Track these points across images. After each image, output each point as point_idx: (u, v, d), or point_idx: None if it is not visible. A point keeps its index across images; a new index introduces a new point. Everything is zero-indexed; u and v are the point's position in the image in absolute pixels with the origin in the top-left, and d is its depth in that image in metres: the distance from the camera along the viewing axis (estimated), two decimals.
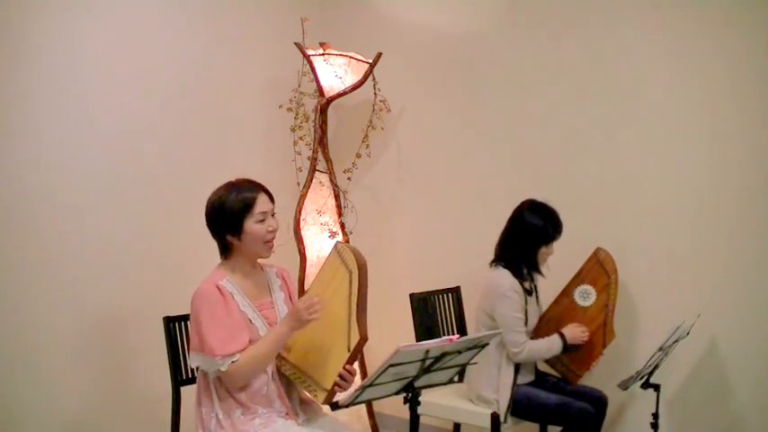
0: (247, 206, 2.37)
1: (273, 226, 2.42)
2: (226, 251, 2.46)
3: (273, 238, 2.44)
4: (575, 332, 3.11)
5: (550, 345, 3.07)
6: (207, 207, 2.42)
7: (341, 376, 2.33)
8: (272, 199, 2.45)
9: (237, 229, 2.37)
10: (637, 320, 3.31)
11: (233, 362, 2.29)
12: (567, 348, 3.09)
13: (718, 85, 3.11)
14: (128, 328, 3.29)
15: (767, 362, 3.03)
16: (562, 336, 3.09)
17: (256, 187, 2.43)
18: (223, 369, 2.29)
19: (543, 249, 3.07)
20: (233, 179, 2.45)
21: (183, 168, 3.53)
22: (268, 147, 3.97)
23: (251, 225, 2.37)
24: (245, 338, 2.34)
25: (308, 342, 2.42)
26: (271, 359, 2.40)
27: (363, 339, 2.30)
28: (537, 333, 3.17)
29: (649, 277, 3.27)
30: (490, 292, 3.07)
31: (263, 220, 2.39)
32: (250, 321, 2.38)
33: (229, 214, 2.36)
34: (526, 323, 3.07)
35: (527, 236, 3.05)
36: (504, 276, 3.05)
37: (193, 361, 2.36)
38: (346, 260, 2.37)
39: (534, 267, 3.10)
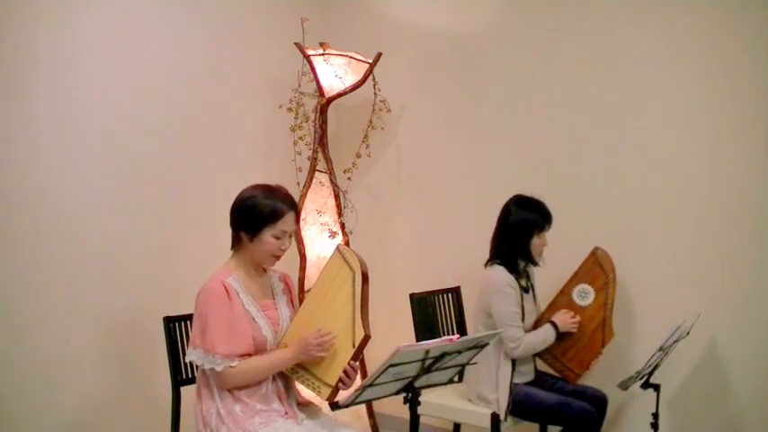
0: (274, 217, 2.39)
1: (286, 245, 2.46)
2: (236, 244, 2.48)
3: (281, 256, 2.47)
4: (565, 318, 3.14)
5: (545, 335, 3.09)
6: (237, 199, 2.46)
7: (345, 372, 2.35)
8: (297, 221, 2.49)
9: (254, 233, 2.40)
10: (636, 320, 3.31)
11: (230, 366, 2.31)
12: (561, 336, 3.11)
13: (717, 84, 3.11)
14: (128, 328, 3.29)
15: (767, 362, 3.03)
16: (554, 324, 3.11)
17: (289, 204, 2.45)
18: (218, 369, 2.30)
19: (536, 240, 3.08)
20: (272, 183, 2.48)
21: (184, 168, 3.53)
22: (268, 147, 3.97)
23: (268, 236, 2.41)
24: (247, 342, 2.36)
25: None
26: (266, 376, 2.41)
27: (368, 336, 2.33)
28: None
29: (649, 277, 3.27)
30: (486, 289, 3.09)
31: (280, 238, 2.42)
32: (253, 319, 2.40)
33: (254, 216, 2.40)
34: (523, 319, 3.07)
35: (517, 229, 3.07)
36: (500, 273, 3.06)
37: (190, 355, 2.36)
38: (349, 261, 2.43)
39: (529, 258, 3.11)
